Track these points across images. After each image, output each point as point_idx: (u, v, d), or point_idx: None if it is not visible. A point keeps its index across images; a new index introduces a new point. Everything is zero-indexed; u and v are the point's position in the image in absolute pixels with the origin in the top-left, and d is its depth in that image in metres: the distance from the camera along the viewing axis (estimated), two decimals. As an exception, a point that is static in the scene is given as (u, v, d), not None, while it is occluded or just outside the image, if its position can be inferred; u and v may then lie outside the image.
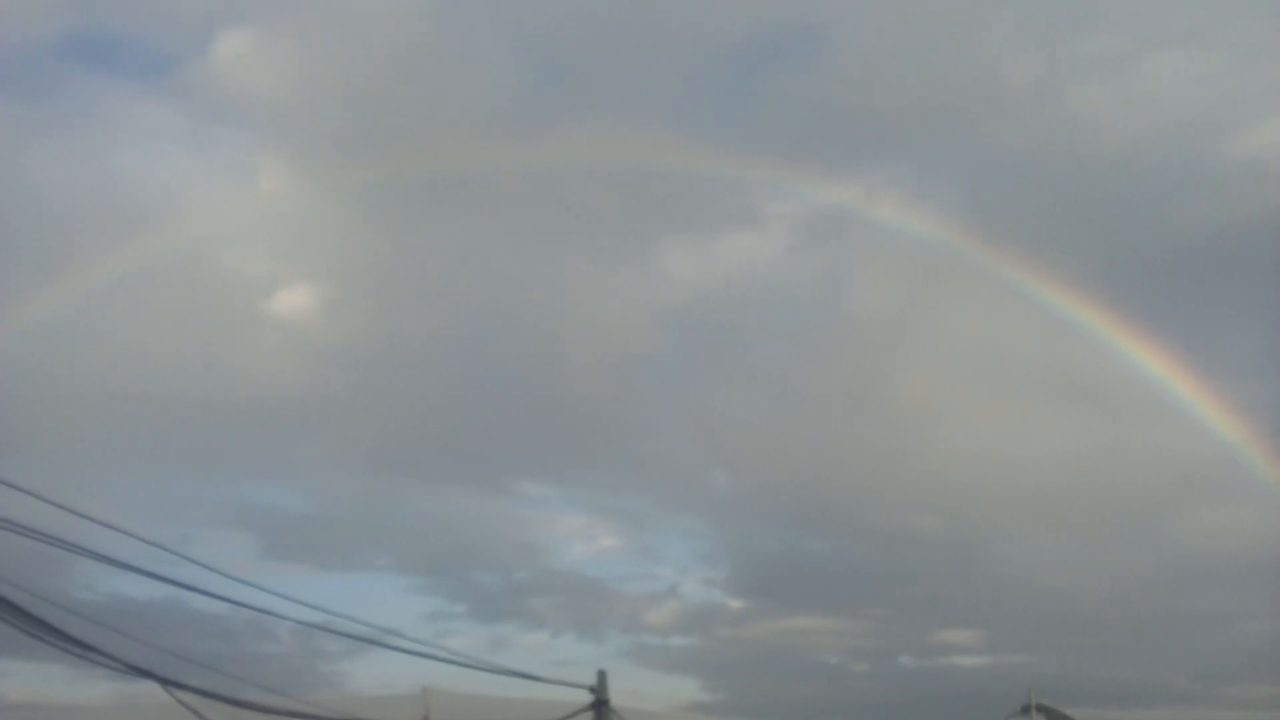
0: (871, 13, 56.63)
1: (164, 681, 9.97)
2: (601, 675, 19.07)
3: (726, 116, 63.84)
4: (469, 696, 23.36)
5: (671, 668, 61.07)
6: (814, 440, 60.20)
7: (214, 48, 61.12)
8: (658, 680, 60.78)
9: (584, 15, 58.93)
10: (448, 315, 62.47)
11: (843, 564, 61.31)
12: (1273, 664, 46.77)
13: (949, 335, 56.65)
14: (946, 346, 57.33)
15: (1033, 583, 54.31)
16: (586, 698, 18.95)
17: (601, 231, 64.39)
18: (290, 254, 64.88)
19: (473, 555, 66.82)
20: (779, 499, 62.49)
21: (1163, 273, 50.62)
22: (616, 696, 19.50)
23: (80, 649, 8.95)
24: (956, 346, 56.84)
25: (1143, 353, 37.98)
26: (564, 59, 67.88)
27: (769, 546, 64.40)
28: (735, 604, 64.74)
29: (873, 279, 58.77)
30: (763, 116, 62.83)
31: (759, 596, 62.99)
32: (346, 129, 60.61)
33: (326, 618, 14.11)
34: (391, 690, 28.03)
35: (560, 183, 58.32)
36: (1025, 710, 20.46)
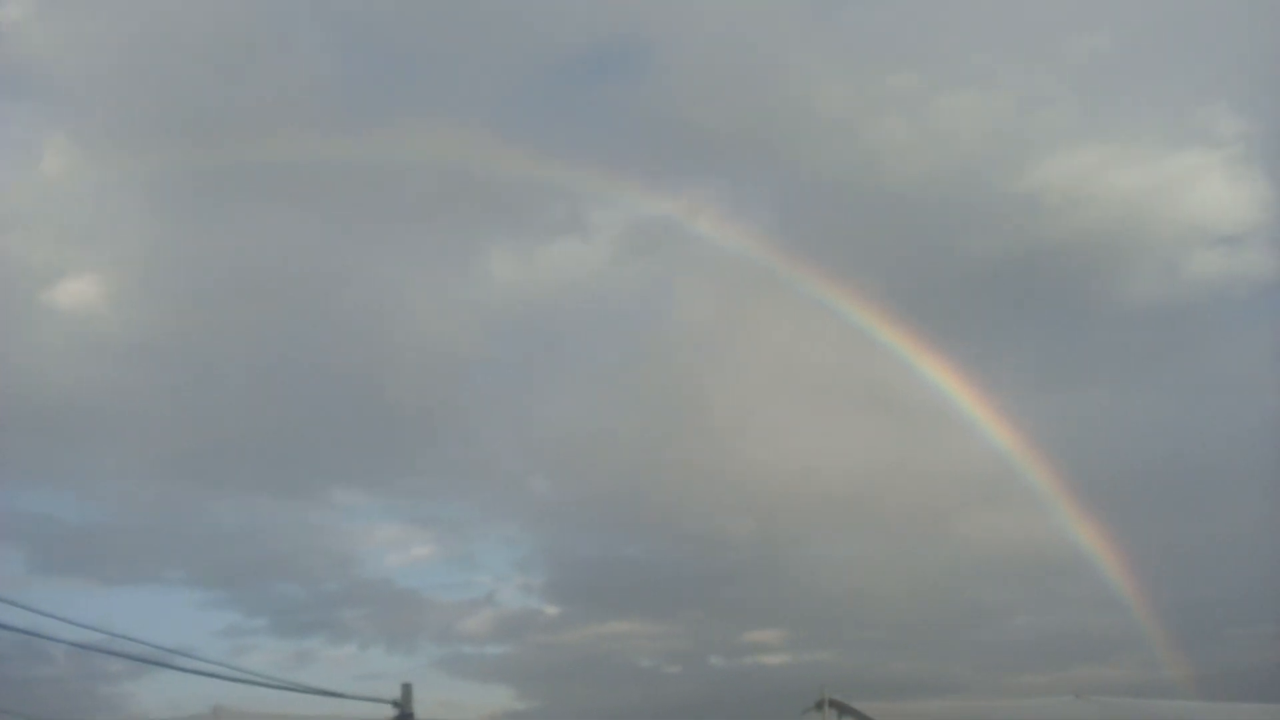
0: (697, 34, 58.30)
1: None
2: (406, 688, 18.67)
3: (555, 124, 64.08)
4: (265, 716, 22.27)
5: (486, 677, 60.32)
6: (633, 447, 61.15)
7: (-7, 12, 56.02)
8: (471, 690, 59.86)
9: (414, 11, 57.74)
10: (255, 311, 59.33)
11: (658, 568, 62.51)
12: (1042, 654, 51.26)
13: (762, 347, 58.97)
14: (759, 358, 59.63)
15: (833, 583, 57.25)
16: (390, 713, 18.51)
17: (425, 231, 63.06)
18: (77, 241, 59.92)
19: (276, 567, 63.60)
20: (598, 505, 63.04)
21: (952, 296, 54.59)
22: (426, 708, 19.15)
23: None
24: (768, 358, 59.24)
25: (934, 368, 40.76)
26: (390, 52, 66.14)
27: (587, 552, 64.82)
28: (551, 610, 64.73)
29: (692, 290, 60.44)
30: (591, 127, 63.52)
31: (575, 602, 63.25)
32: (147, 110, 56.60)
33: (104, 637, 13.22)
34: (179, 712, 26.35)
35: (382, 179, 56.73)
36: (819, 706, 21.48)
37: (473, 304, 64.38)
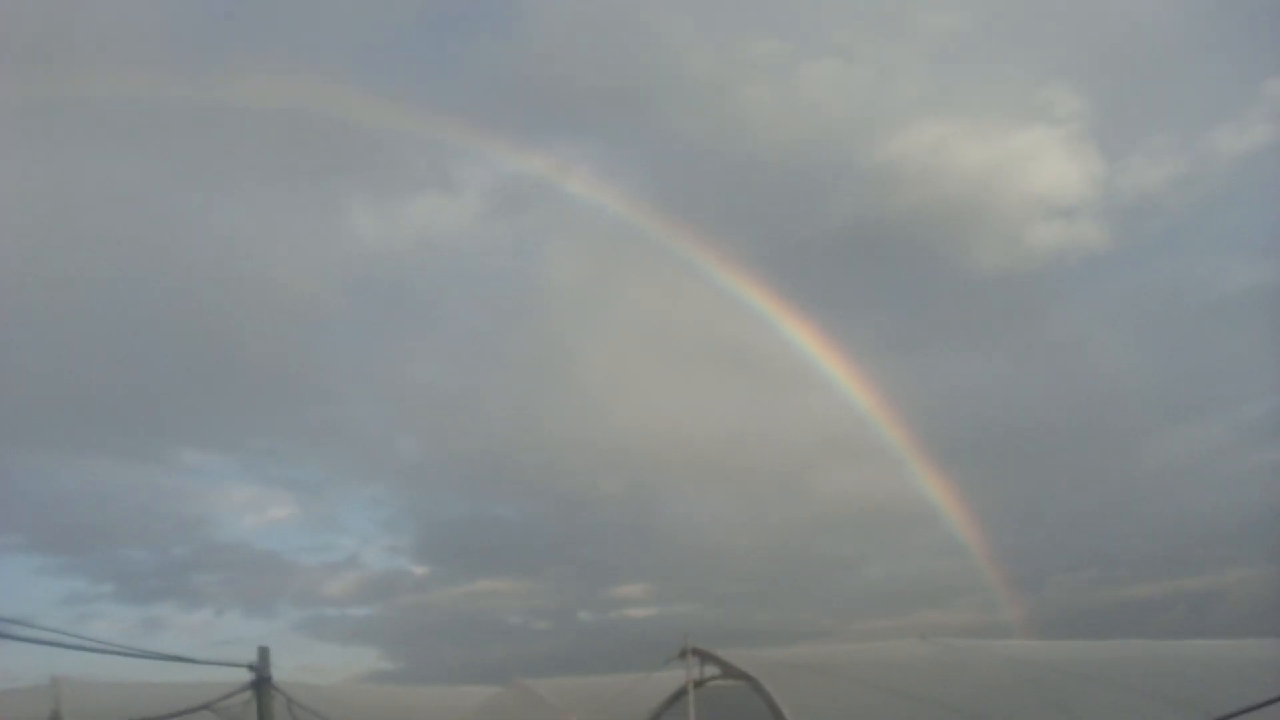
0: (567, -9, 57.68)
1: None
2: (263, 651, 18.01)
3: (419, 76, 62.32)
4: (109, 685, 21.22)
5: (350, 639, 59.40)
6: (501, 406, 60.81)
7: None
8: (335, 653, 58.88)
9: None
10: (94, 261, 55.56)
11: (526, 527, 62.70)
12: (888, 600, 54.10)
13: (631, 307, 59.43)
14: (628, 318, 60.10)
15: (697, 538, 58.79)
16: (246, 676, 17.88)
17: (278, 182, 60.47)
18: (-114, 184, 54.58)
19: (122, 531, 60.58)
20: (466, 465, 62.53)
21: (815, 260, 56.33)
22: (285, 673, 18.57)
23: None
24: (637, 318, 59.78)
25: (795, 329, 41.94)
26: (242, -7, 62.69)
27: (454, 512, 64.37)
28: (419, 570, 64.10)
29: (562, 250, 60.19)
30: (457, 80, 62.00)
31: (443, 562, 62.85)
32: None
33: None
34: (15, 684, 24.82)
35: (234, 124, 53.81)
36: (682, 654, 22.00)
37: (331, 258, 62.31)
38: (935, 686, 21.17)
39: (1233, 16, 49.55)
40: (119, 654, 15.16)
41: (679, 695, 22.50)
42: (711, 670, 22.43)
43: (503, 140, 50.80)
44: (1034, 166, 56.70)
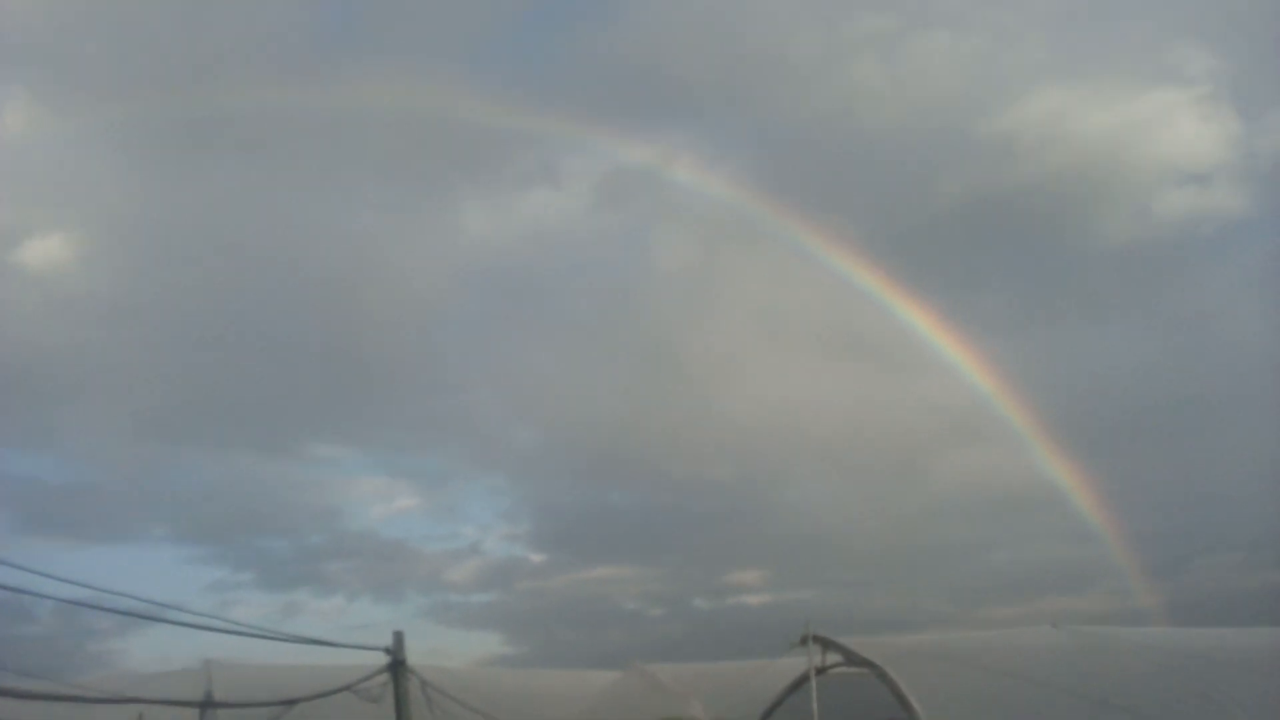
0: (669, -22, 57.53)
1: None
2: (398, 636, 18.78)
3: (524, 72, 63.16)
4: (256, 667, 22.46)
5: (473, 624, 61.12)
6: (614, 394, 61.37)
7: (-60, -36, 54.10)
8: (460, 638, 60.68)
9: (375, -43, 56.28)
10: (225, 266, 58.58)
11: (641, 514, 63.22)
12: (1014, 586, 52.38)
13: (741, 293, 59.08)
14: (738, 303, 59.77)
15: (813, 524, 58.14)
16: (383, 660, 18.65)
17: (396, 183, 62.33)
18: (40, 199, 58.73)
19: (260, 522, 63.76)
20: (580, 453, 63.42)
21: (929, 238, 54.85)
22: (415, 656, 19.31)
23: None
24: (747, 303, 59.39)
25: (910, 310, 40.94)
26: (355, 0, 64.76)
27: (570, 500, 65.39)
28: (536, 558, 65.45)
29: (671, 237, 60.26)
30: (562, 73, 62.61)
31: (560, 549, 63.96)
32: (104, 63, 55.21)
33: (93, 594, 13.15)
34: (170, 667, 26.51)
35: (351, 131, 55.82)
36: (803, 640, 21.85)
37: (445, 256, 63.97)
38: (1069, 675, 20.45)
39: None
40: (268, 638, 16.06)
41: (800, 682, 22.39)
42: (834, 658, 22.23)
43: (608, 131, 51.11)
44: (1164, 131, 53.80)
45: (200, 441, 63.45)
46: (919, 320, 40.97)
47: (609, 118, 62.85)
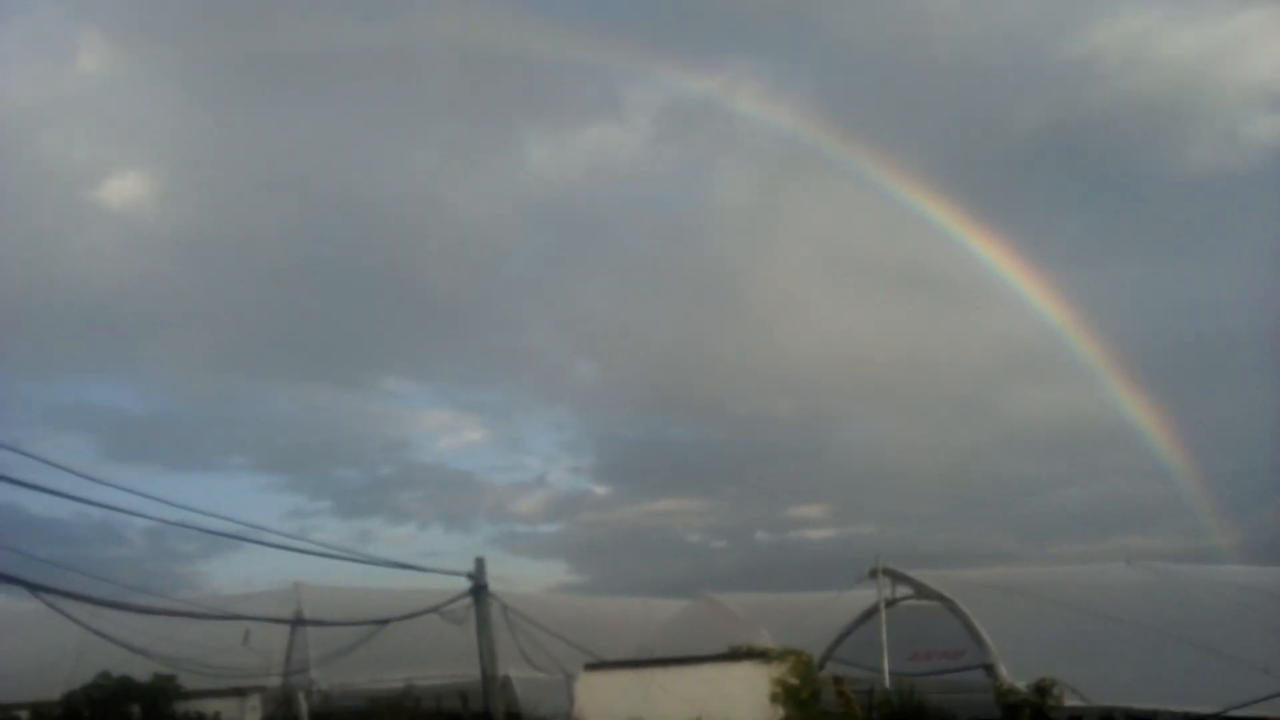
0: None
1: (33, 587, 9.55)
2: (479, 561, 19.43)
3: (586, 2, 62.15)
4: (341, 589, 23.33)
5: (540, 553, 62.71)
6: (676, 329, 61.45)
7: (12, -99, 54.75)
8: (527, 566, 62.36)
9: (433, -117, 55.45)
10: (296, 204, 59.55)
11: (703, 448, 63.74)
12: (1083, 523, 51.91)
13: (804, 226, 58.32)
14: (802, 237, 59.05)
15: (876, 460, 58.05)
16: (464, 585, 19.30)
17: (457, 118, 62.29)
18: (119, 138, 60.01)
19: (334, 452, 65.72)
20: (642, 387, 63.88)
21: (1001, 167, 53.33)
22: (490, 582, 19.96)
23: (-62, 556, 8.46)
24: (811, 237, 58.63)
25: (979, 243, 40.00)
26: (412, -68, 63.91)
27: (632, 433, 66.10)
28: (600, 490, 66.58)
29: (733, 170, 59.50)
30: (623, 3, 61.50)
31: (623, 482, 64.94)
32: (174, 3, 55.70)
33: (188, 515, 13.67)
34: (255, 588, 27.64)
35: (411, 66, 55.69)
36: (872, 574, 21.98)
37: (507, 191, 64.03)
38: (1145, 611, 20.32)
39: None
40: (357, 561, 16.73)
41: (869, 614, 22.58)
42: (903, 590, 22.36)
43: (670, 62, 50.32)
44: (1254, 52, 51.27)
45: (275, 374, 65.30)
46: (987, 251, 40.03)
47: (671, 47, 61.85)
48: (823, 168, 48.34)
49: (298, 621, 20.75)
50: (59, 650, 19.93)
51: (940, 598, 21.55)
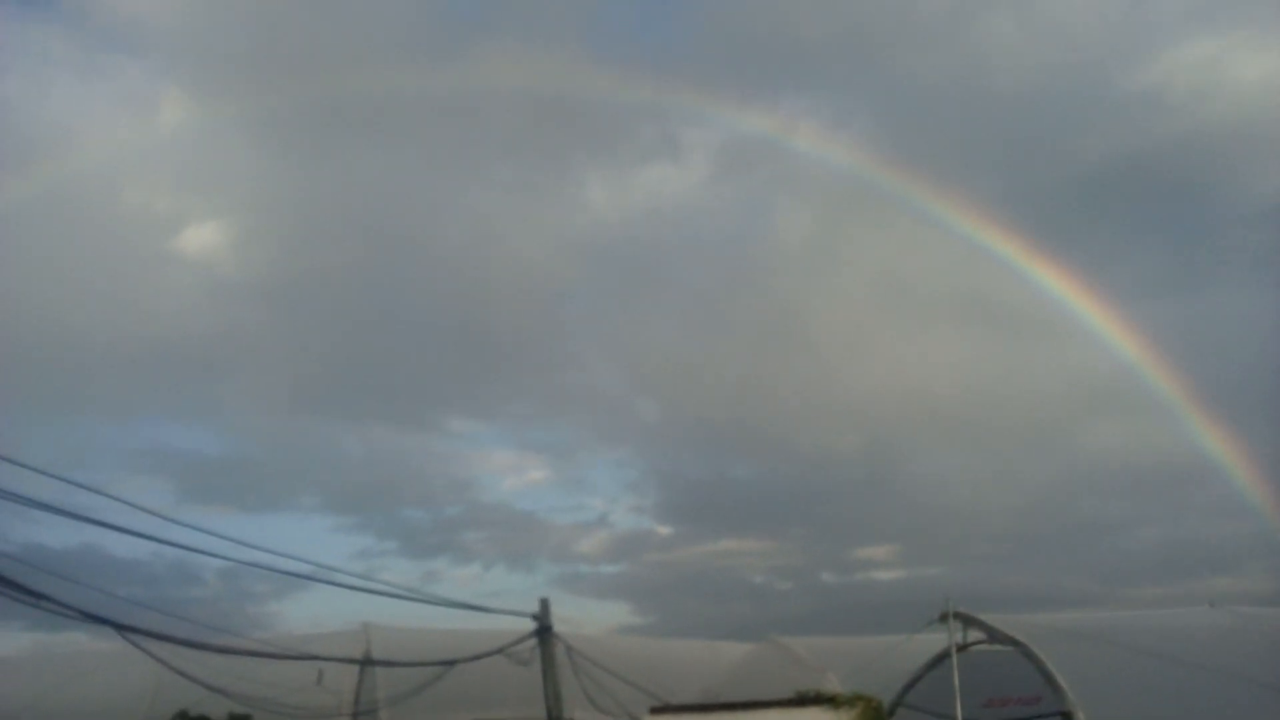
0: (786, -60, 56.38)
1: (119, 627, 9.91)
2: (544, 603, 19.49)
3: (644, 44, 63.23)
4: (409, 630, 23.61)
5: (603, 594, 62.66)
6: (737, 367, 61.42)
7: (102, -31, 57.86)
8: (590, 606, 62.35)
9: (495, -63, 57.16)
10: (363, 248, 61.24)
11: (766, 487, 63.27)
12: (1163, 565, 50.13)
13: (865, 261, 58.05)
14: (863, 272, 58.77)
15: (944, 498, 56.94)
16: (529, 626, 19.38)
17: (518, 161, 63.62)
18: (196, 188, 62.59)
19: (401, 493, 66.78)
20: (704, 426, 63.79)
21: (1065, 199, 52.60)
22: (554, 623, 20.00)
23: (33, 598, 8.85)
24: (872, 272, 58.33)
25: (1046, 275, 39.43)
26: (474, -19, 65.98)
27: (695, 473, 65.94)
28: (664, 530, 66.31)
29: (792, 207, 59.61)
30: (680, 44, 62.41)
31: (686, 522, 64.63)
32: (247, 54, 58.19)
33: (262, 556, 13.96)
34: (326, 629, 28.10)
35: (473, 109, 57.15)
36: (943, 617, 21.51)
37: (567, 232, 65.03)
38: (1230, 658, 19.55)
39: None
40: (427, 602, 16.94)
41: (940, 659, 22.08)
42: (975, 634, 21.83)
43: (727, 101, 50.84)
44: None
45: (345, 415, 66.79)
46: (1057, 285, 39.40)
47: (728, 86, 62.43)
48: (883, 202, 48.34)
49: (367, 662, 21.04)
50: (138, 689, 20.50)
51: (1014, 642, 20.99)
